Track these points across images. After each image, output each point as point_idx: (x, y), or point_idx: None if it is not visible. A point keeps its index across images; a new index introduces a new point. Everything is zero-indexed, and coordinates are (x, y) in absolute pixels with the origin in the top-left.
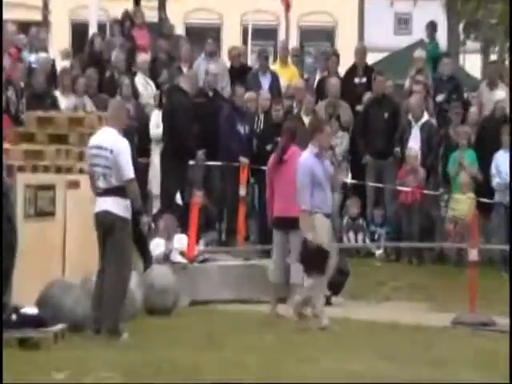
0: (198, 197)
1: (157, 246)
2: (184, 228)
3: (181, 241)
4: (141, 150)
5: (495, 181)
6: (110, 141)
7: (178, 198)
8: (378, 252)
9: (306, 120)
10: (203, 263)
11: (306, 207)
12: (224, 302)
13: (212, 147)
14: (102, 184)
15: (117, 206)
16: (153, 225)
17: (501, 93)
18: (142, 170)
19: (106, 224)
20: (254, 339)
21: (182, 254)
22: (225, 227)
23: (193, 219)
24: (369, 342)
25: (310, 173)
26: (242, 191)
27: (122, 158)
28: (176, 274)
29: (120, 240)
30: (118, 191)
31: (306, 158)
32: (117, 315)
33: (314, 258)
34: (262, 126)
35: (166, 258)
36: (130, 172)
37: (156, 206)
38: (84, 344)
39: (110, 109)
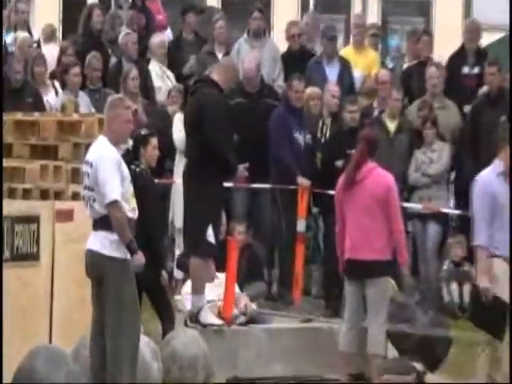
0: (239, 233)
1: (181, 302)
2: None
3: (214, 294)
4: (158, 167)
5: None
6: (93, 152)
7: (211, 235)
8: None
9: (391, 126)
10: (246, 326)
11: (482, 243)
12: (275, 382)
13: (258, 164)
14: (89, 213)
15: (103, 243)
16: (176, 273)
17: None
18: (160, 195)
19: (93, 268)
20: None
21: (216, 312)
22: (276, 276)
23: (231, 264)
24: None
25: (491, 199)
26: (301, 225)
27: (102, 173)
28: (208, 341)
29: (113, 288)
30: (103, 222)
31: (486, 178)
32: None
33: (489, 314)
34: (328, 134)
35: (193, 319)
36: (111, 193)
37: (180, 245)
38: None
39: (105, 109)
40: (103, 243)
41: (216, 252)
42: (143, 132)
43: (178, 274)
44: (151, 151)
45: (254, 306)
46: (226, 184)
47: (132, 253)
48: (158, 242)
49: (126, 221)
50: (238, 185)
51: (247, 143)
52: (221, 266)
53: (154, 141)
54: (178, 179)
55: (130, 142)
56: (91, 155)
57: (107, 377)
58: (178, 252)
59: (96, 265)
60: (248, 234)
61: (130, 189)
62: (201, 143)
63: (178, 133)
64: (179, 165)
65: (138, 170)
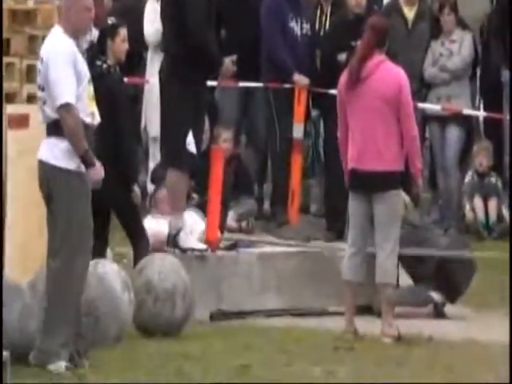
0: (225, 140)
1: (157, 223)
2: (202, 194)
3: (195, 215)
4: (129, 64)
5: None
6: (46, 45)
7: (191, 144)
8: None
9: (409, 13)
10: (233, 250)
11: None
12: (268, 315)
13: (249, 59)
14: (41, 117)
15: (52, 151)
16: (150, 188)
17: None
18: (130, 97)
19: (43, 182)
20: (319, 377)
21: (198, 235)
22: (269, 191)
23: (215, 177)
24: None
25: None
26: (298, 131)
27: (53, 70)
28: (188, 269)
29: (62, 206)
30: (55, 128)
31: None
32: (57, 333)
33: None
34: (328, 23)
35: (171, 243)
36: (63, 94)
37: (155, 156)
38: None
39: None
40: (53, 152)
41: (197, 163)
42: (110, 21)
43: (153, 189)
44: (120, 44)
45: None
46: (210, 82)
47: (87, 165)
48: (129, 153)
49: (81, 127)
50: (225, 83)
51: (236, 36)
52: (202, 183)
53: (123, 32)
54: (151, 78)
55: (95, 34)
56: (44, 49)
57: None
58: (152, 164)
59: (44, 177)
60: (237, 143)
61: (90, 90)
62: (181, 34)
63: (150, 25)
64: (152, 62)
65: (104, 66)
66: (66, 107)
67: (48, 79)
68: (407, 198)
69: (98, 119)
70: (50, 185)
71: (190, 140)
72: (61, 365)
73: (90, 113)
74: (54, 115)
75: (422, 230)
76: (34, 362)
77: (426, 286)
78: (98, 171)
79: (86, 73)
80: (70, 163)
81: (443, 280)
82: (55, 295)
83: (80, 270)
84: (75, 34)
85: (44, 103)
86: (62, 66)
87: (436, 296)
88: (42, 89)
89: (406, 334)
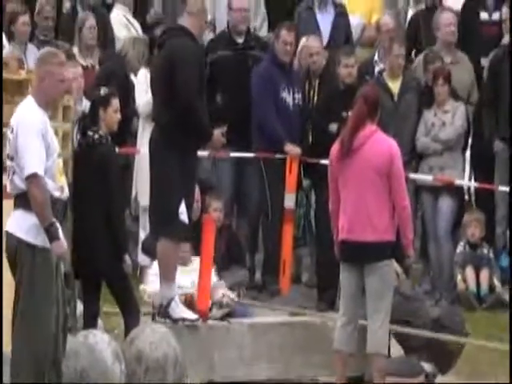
0: (216, 210)
1: (147, 292)
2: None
3: (188, 280)
4: (118, 134)
5: None
6: (16, 114)
7: (183, 213)
8: None
9: (393, 86)
10: (224, 320)
11: None
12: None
13: (241, 129)
14: (8, 187)
15: (19, 224)
16: (141, 259)
17: None
18: (121, 167)
19: (8, 250)
20: None
21: (187, 305)
22: (261, 261)
23: (207, 247)
24: None
25: None
26: (290, 201)
27: (21, 140)
28: (179, 339)
29: (25, 280)
30: (22, 199)
31: None
32: None
33: None
34: (319, 93)
35: (162, 313)
36: (30, 165)
37: (145, 226)
38: None
39: (35, 65)
40: (19, 225)
41: (189, 233)
42: (103, 92)
43: (144, 260)
44: (112, 114)
45: (232, 295)
46: (201, 153)
47: (51, 239)
48: (120, 223)
49: (47, 199)
50: (215, 154)
51: (230, 104)
52: (195, 250)
53: (116, 102)
54: (142, 148)
55: (86, 104)
56: (14, 118)
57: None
58: (142, 234)
59: (11, 246)
60: (228, 212)
61: (59, 163)
62: (171, 104)
63: (143, 94)
64: (143, 132)
65: (96, 136)
66: (34, 178)
67: (17, 149)
68: (399, 268)
69: (66, 193)
70: (15, 257)
71: (183, 209)
72: None
73: (59, 187)
74: (22, 186)
75: (413, 301)
76: None
77: (418, 357)
78: (61, 245)
79: (55, 146)
80: (37, 238)
81: (434, 351)
82: (20, 372)
83: (43, 351)
84: (47, 105)
85: (13, 173)
86: (32, 136)
87: (427, 366)
88: (11, 158)
89: None
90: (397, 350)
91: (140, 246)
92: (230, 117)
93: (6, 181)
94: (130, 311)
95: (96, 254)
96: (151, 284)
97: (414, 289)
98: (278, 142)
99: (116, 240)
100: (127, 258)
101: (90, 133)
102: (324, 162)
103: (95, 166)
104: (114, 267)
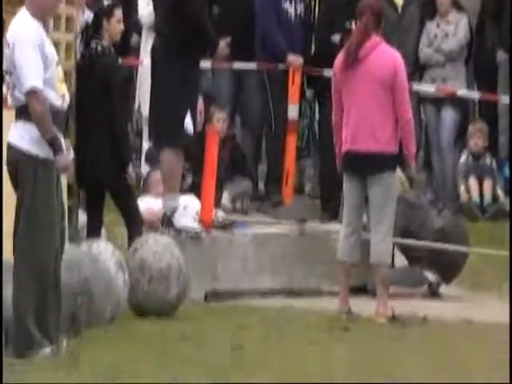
0: (220, 120)
1: (151, 201)
2: (196, 174)
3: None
4: (122, 45)
5: None
6: (11, 29)
7: (188, 124)
8: None
9: None
10: (228, 231)
11: None
12: (262, 295)
13: (243, 40)
14: (9, 101)
15: (22, 136)
16: (144, 170)
17: None
18: (124, 79)
19: (9, 163)
20: (313, 356)
21: (192, 215)
22: (264, 172)
23: (210, 159)
24: (499, 357)
25: None
26: (293, 111)
27: (18, 54)
28: (183, 249)
29: (26, 192)
30: (23, 112)
31: None
32: (29, 316)
33: None
34: (322, 5)
35: (166, 223)
36: (28, 78)
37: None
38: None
39: None
40: (21, 136)
41: (193, 144)
42: (106, 2)
43: (147, 170)
44: (115, 25)
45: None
46: (204, 64)
47: (55, 151)
48: (123, 133)
49: (47, 112)
50: (219, 65)
51: (230, 15)
52: (198, 160)
53: (119, 13)
54: (145, 59)
55: (89, 15)
56: (10, 33)
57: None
58: (146, 145)
59: (12, 160)
60: (232, 124)
61: (59, 72)
62: (175, 14)
63: (144, 6)
64: (146, 43)
65: (99, 47)
66: (33, 92)
67: (15, 63)
68: (403, 177)
69: (67, 101)
70: (16, 168)
71: (187, 120)
72: (46, 351)
73: (60, 95)
74: (23, 99)
75: (417, 209)
76: (17, 356)
77: (421, 267)
78: (66, 157)
79: (53, 55)
80: (39, 150)
81: (438, 261)
82: (27, 285)
83: (48, 259)
84: (42, 17)
85: (14, 88)
86: (29, 49)
87: (431, 276)
88: (9, 73)
89: (400, 314)
90: (400, 261)
91: (143, 156)
92: (229, 30)
93: (6, 93)
94: (133, 221)
95: (99, 164)
96: (155, 194)
97: (419, 198)
98: (281, 52)
99: (119, 151)
100: (130, 168)
101: (93, 44)
102: (327, 72)
103: (98, 77)
104: (118, 178)
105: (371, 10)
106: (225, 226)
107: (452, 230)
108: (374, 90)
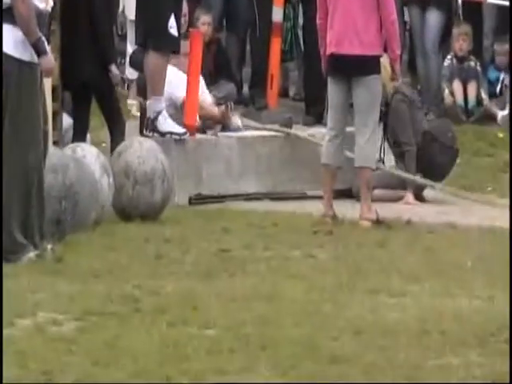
0: (205, 23)
1: (135, 106)
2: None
3: (174, 96)
4: None
5: None
6: None
7: (173, 26)
8: (502, 114)
9: None
10: (212, 134)
11: None
12: (247, 198)
13: None
14: None
15: (7, 39)
16: (128, 73)
17: None
18: None
19: None
20: (297, 260)
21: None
22: (249, 74)
23: (194, 62)
24: (485, 260)
25: None
26: (277, 13)
27: None
28: (167, 153)
29: (11, 95)
30: (8, 14)
31: None
32: (16, 226)
33: None
34: None
35: (150, 127)
36: None
37: (133, 40)
38: None
39: None
40: (6, 39)
41: (178, 46)
42: None
43: (132, 73)
44: None
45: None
46: None
47: (39, 53)
48: (105, 34)
49: (33, 15)
50: None
51: None
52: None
53: None
54: None
55: None
56: None
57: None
58: (130, 48)
59: None
60: (217, 28)
61: None
62: None
63: None
64: None
65: None
66: None
67: None
68: (388, 67)
69: (51, 3)
70: (1, 70)
71: (172, 23)
72: (30, 255)
73: None
74: (8, 1)
75: (415, 108)
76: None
77: (408, 169)
78: (50, 60)
79: None
80: (23, 53)
81: (426, 161)
82: (10, 188)
83: (33, 161)
84: None
85: None
86: None
87: (419, 178)
88: None
89: (384, 217)
90: (388, 164)
91: (128, 60)
92: None
93: None
94: (116, 124)
95: (83, 65)
96: (139, 97)
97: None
98: None
99: (102, 50)
100: (114, 68)
101: None
102: None
103: None
104: (101, 78)
105: None
106: (210, 129)
107: (440, 134)
108: None
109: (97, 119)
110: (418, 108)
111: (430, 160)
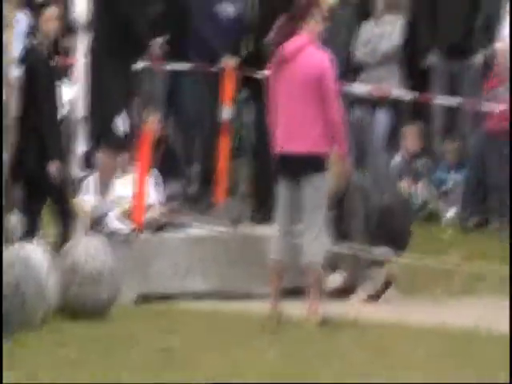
0: (154, 122)
1: (83, 204)
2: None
3: (122, 196)
4: (56, 44)
5: None
6: None
7: (121, 125)
8: (449, 214)
9: None
10: (160, 232)
11: None
12: (194, 297)
13: (178, 40)
14: None
15: None
16: (77, 170)
17: None
18: (53, 76)
19: None
20: (245, 359)
21: (125, 217)
22: (197, 173)
23: (143, 160)
24: (435, 358)
25: None
26: (226, 112)
27: None
28: (114, 251)
29: None
30: None
31: None
32: None
33: None
34: (257, 6)
35: (98, 225)
36: None
37: (81, 138)
38: None
39: None
40: None
41: (127, 145)
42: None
43: (80, 171)
44: (46, 23)
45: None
46: (139, 64)
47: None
48: (50, 131)
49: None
50: (153, 65)
51: (165, 16)
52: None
53: (51, 10)
54: (80, 58)
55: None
56: None
57: None
58: (79, 147)
59: None
60: (164, 124)
61: None
62: (106, 13)
63: (80, 4)
64: (81, 42)
65: (31, 44)
66: None
67: None
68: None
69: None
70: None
71: (120, 122)
72: None
73: None
74: None
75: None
76: None
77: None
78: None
79: None
80: None
81: (387, 231)
82: None
83: None
84: None
85: None
86: None
87: (384, 251)
88: None
89: (331, 316)
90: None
91: (78, 158)
92: (164, 29)
93: None
94: (65, 221)
95: (30, 159)
96: (87, 196)
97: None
98: (215, 54)
99: (47, 151)
100: (54, 166)
101: (26, 41)
102: (261, 74)
103: (25, 72)
104: (48, 176)
105: (300, 7)
106: (157, 228)
107: (397, 206)
108: (302, 91)
109: (46, 216)
110: (372, 196)
111: (391, 228)
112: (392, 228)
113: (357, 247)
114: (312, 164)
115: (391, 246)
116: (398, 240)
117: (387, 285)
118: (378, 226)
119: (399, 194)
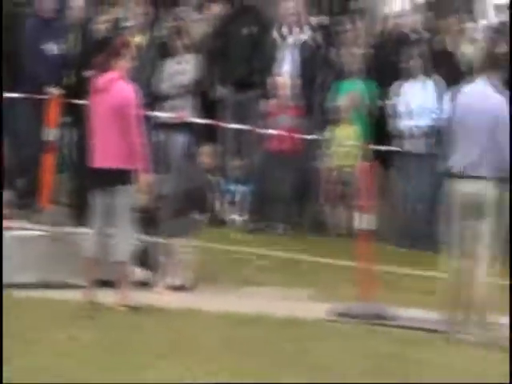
0: None
1: None
2: None
3: None
4: None
5: (393, 122)
6: None
7: None
8: (238, 219)
9: (140, 40)
10: None
11: None
12: (23, 287)
13: (12, 72)
14: None
15: None
16: None
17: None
18: None
19: None
20: (65, 339)
21: None
22: (26, 184)
23: None
24: (222, 342)
25: None
26: (50, 135)
27: None
28: None
29: None
30: None
31: None
32: None
33: None
34: (80, 44)
35: None
36: None
37: None
38: None
39: None
40: None
41: None
42: None
43: None
44: None
45: None
46: None
47: None
48: None
49: None
50: None
51: (2, 52)
52: None
53: None
54: None
55: None
56: None
57: None
58: None
59: None
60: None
61: None
62: None
63: None
64: None
65: None
66: None
67: None
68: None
69: None
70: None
71: None
72: None
73: None
74: None
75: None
76: None
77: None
78: None
79: None
80: None
81: (192, 200)
82: None
83: None
84: None
85: None
86: None
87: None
88: None
89: (138, 303)
90: None
91: None
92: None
93: None
94: None
95: None
96: None
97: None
98: (42, 85)
99: None
100: None
101: None
102: (82, 102)
103: None
104: None
105: (114, 46)
106: None
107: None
108: (110, 118)
109: None
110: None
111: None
112: (196, 196)
113: (153, 240)
114: (119, 177)
115: (198, 211)
116: (202, 206)
117: (185, 275)
118: (185, 199)
119: (200, 173)
